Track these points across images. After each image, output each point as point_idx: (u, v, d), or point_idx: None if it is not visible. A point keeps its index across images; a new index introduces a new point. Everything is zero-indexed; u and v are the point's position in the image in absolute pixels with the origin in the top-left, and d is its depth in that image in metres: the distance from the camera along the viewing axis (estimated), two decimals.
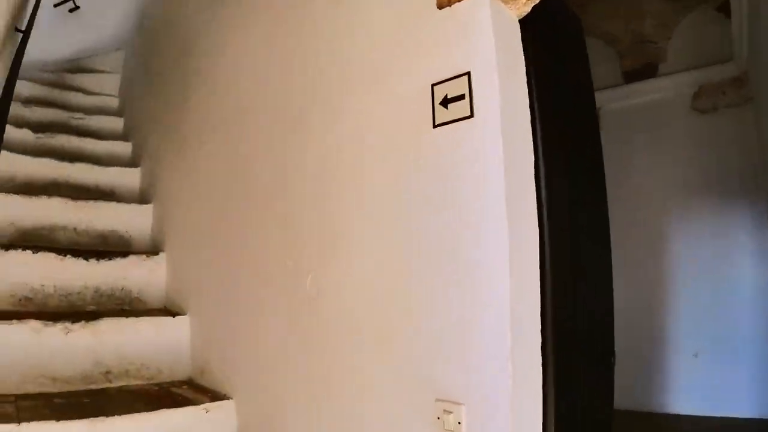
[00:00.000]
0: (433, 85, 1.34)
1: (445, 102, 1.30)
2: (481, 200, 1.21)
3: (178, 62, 3.22)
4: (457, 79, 1.27)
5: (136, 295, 2.86)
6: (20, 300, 2.46)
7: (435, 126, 1.33)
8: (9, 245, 2.52)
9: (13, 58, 1.96)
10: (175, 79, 3.24)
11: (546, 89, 1.33)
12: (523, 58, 1.28)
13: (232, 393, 2.17)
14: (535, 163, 1.26)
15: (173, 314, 2.64)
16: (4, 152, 3.09)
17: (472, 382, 1.17)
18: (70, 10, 4.73)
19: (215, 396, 2.19)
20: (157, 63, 3.71)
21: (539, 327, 1.15)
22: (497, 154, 1.17)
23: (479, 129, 1.22)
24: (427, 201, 1.34)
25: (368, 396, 1.49)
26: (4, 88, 1.59)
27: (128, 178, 3.65)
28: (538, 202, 1.24)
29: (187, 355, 2.55)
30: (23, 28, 2.83)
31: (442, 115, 1.31)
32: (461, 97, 1.26)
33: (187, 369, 2.53)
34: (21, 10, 2.81)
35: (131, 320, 2.44)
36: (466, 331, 1.19)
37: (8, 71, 1.78)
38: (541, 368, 1.14)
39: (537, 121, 1.27)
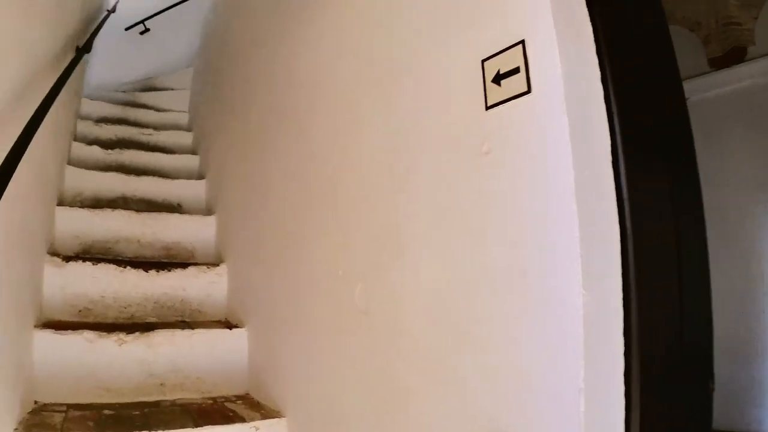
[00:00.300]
0: (483, 61, 1.12)
1: (498, 78, 1.09)
2: (543, 194, 0.97)
3: (238, 74, 3.17)
4: (509, 51, 1.05)
5: (196, 307, 2.79)
6: (80, 311, 2.44)
7: (487, 108, 1.11)
8: (69, 257, 2.51)
9: (60, 73, 1.90)
10: (235, 91, 3.19)
11: (621, 59, 1.07)
12: (588, 21, 1.04)
13: (285, 411, 2.01)
14: (611, 148, 1.01)
15: (230, 327, 2.54)
16: (72, 168, 3.16)
17: (538, 418, 0.93)
18: (141, 33, 4.90)
19: (268, 413, 2.05)
20: (220, 77, 3.70)
21: (622, 351, 0.90)
22: (562, 135, 0.93)
23: (538, 105, 0.99)
24: (485, 199, 1.11)
25: (417, 425, 1.28)
26: (42, 102, 1.51)
27: (195, 190, 3.64)
28: (617, 197, 0.99)
29: (244, 369, 2.44)
30: (89, 50, 2.87)
31: (495, 94, 1.09)
32: (515, 71, 1.03)
33: (244, 383, 2.41)
34: (83, 32, 2.83)
35: (186, 332, 2.36)
36: (532, 357, 0.96)
37: (52, 86, 1.71)
38: (623, 401, 0.89)
39: (612, 96, 1.02)
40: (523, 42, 1.02)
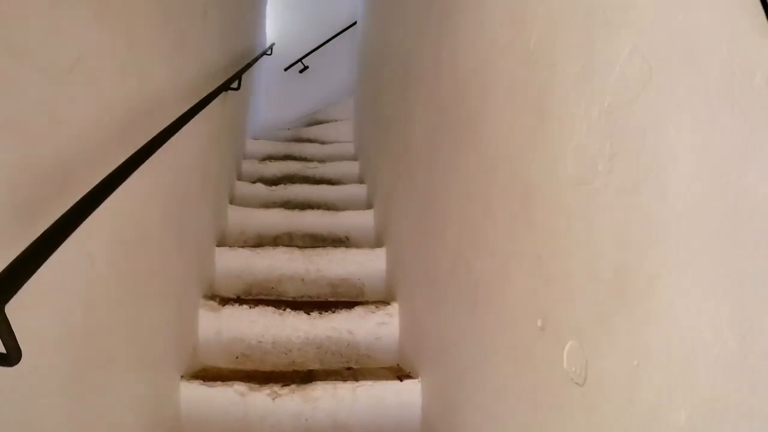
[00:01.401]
0: None
1: None
2: None
3: (396, 90, 2.92)
4: None
5: (364, 352, 2.50)
6: (237, 357, 2.29)
7: None
8: (226, 300, 2.40)
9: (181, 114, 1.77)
10: (396, 110, 2.94)
11: None
12: None
13: None
14: None
15: (401, 377, 2.18)
16: (236, 207, 3.16)
17: None
18: (301, 71, 5.22)
19: None
20: (379, 98, 3.52)
21: None
22: None
23: None
24: None
25: None
26: (141, 149, 1.32)
27: (362, 221, 3.45)
28: None
29: (416, 427, 2.05)
30: (236, 87, 2.86)
31: None
32: None
33: None
34: (231, 74, 2.83)
35: (349, 385, 2.07)
36: None
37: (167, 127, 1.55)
38: None
39: None
40: None
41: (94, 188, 1.00)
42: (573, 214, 1.05)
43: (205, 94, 2.07)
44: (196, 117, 1.89)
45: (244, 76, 3.04)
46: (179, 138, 1.70)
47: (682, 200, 0.77)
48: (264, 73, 5.07)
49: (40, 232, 0.86)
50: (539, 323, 1.17)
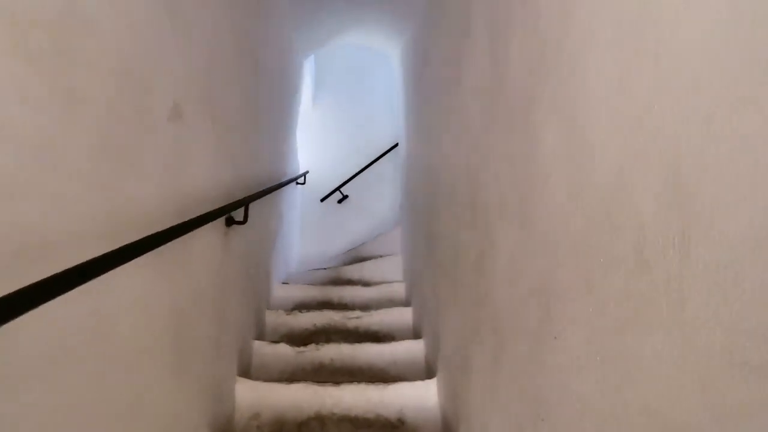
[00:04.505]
0: None
1: None
2: None
3: (461, 224, 2.16)
4: None
5: None
6: None
7: None
8: None
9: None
10: (459, 246, 2.19)
11: None
12: None
13: None
14: None
15: None
16: (247, 382, 2.33)
17: None
18: (339, 201, 4.99)
19: None
20: (435, 234, 2.81)
21: None
22: None
23: None
24: None
25: None
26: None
27: (422, 395, 2.55)
28: None
29: None
30: (241, 220, 2.16)
31: None
32: None
33: None
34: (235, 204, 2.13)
35: None
36: None
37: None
38: None
39: None
40: None
41: None
42: None
43: (162, 229, 1.29)
44: (136, 264, 1.11)
45: (256, 208, 2.34)
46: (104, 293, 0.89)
47: None
48: (298, 206, 4.66)
49: None
50: None
